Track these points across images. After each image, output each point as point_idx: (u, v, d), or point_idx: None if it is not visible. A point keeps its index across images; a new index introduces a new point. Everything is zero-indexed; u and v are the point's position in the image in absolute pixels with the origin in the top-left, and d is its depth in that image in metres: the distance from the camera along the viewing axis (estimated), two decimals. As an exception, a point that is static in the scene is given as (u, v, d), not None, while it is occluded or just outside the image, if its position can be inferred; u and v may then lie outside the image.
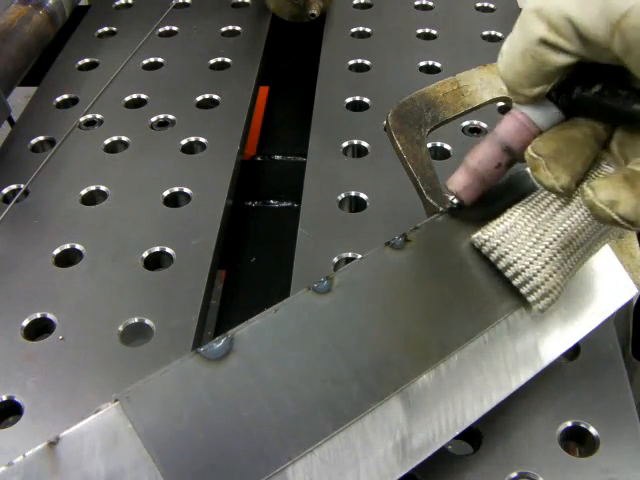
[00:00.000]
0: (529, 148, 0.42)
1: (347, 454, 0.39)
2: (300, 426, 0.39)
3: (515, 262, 0.44)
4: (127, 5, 0.96)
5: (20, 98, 0.88)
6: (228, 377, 0.40)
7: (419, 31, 0.88)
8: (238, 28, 0.90)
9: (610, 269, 0.49)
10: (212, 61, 0.84)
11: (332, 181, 0.67)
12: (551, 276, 0.43)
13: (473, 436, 0.47)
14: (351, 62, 0.84)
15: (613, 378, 0.51)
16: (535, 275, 0.43)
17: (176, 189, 0.67)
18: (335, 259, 0.59)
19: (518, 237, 0.44)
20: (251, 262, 0.70)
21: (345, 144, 0.72)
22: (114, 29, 0.91)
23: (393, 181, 0.64)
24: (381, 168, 0.68)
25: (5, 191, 0.67)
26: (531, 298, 0.44)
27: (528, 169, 0.50)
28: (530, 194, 0.46)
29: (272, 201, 0.77)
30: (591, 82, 0.40)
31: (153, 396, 0.38)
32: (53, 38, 0.84)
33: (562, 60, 0.39)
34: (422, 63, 0.83)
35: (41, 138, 0.74)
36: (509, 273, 0.44)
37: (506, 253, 0.44)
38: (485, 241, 0.45)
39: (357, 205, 0.66)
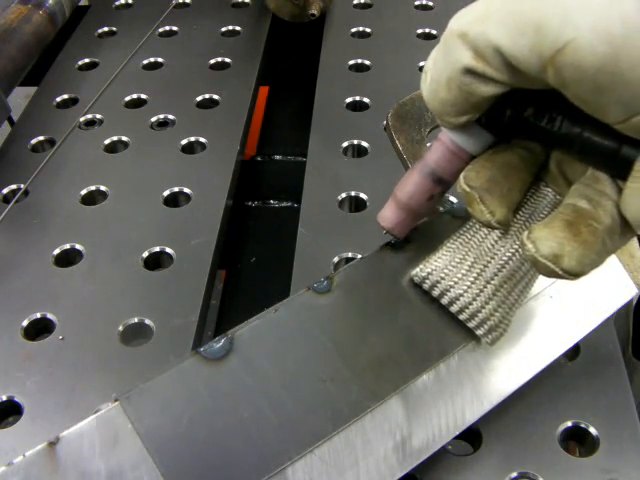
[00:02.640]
0: (461, 179, 0.39)
1: (347, 454, 0.39)
2: (300, 426, 0.39)
3: (459, 298, 0.42)
4: (127, 5, 0.96)
5: (20, 98, 0.88)
6: (228, 377, 0.40)
7: (419, 31, 0.88)
8: (238, 28, 0.90)
9: (610, 269, 0.49)
10: (212, 61, 0.84)
11: (332, 181, 0.67)
12: (496, 310, 0.42)
13: (473, 436, 0.47)
14: (351, 62, 0.84)
15: (613, 378, 0.51)
16: (480, 310, 0.42)
17: (176, 189, 0.67)
18: (335, 259, 0.59)
19: (459, 271, 0.42)
20: (251, 262, 0.70)
21: (345, 144, 0.72)
22: (114, 29, 0.91)
23: (393, 181, 0.63)
24: (381, 168, 0.68)
25: (5, 191, 0.67)
26: (479, 332, 0.42)
27: None
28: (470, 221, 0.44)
29: (272, 201, 0.77)
30: (523, 105, 0.37)
31: (153, 396, 0.38)
32: (53, 38, 0.84)
33: (490, 90, 0.35)
34: (422, 63, 0.83)
35: (41, 138, 0.74)
36: (454, 309, 0.42)
37: (449, 288, 0.42)
38: (425, 277, 0.43)
39: (357, 205, 0.66)
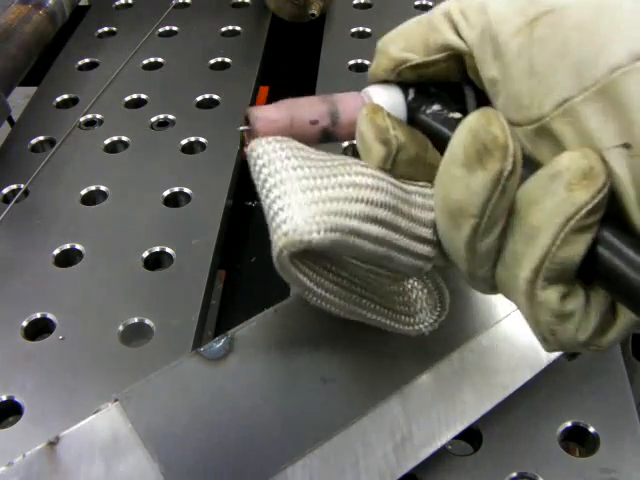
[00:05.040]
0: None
1: (347, 454, 0.39)
2: (300, 426, 0.39)
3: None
4: (127, 5, 0.96)
5: (20, 98, 0.88)
6: (228, 377, 0.40)
7: (419, 31, 0.88)
8: (238, 28, 0.90)
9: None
10: (212, 61, 0.84)
11: (332, 181, 0.67)
12: None
13: (473, 436, 0.47)
14: (351, 62, 0.83)
15: (613, 378, 0.51)
16: None
17: (176, 189, 0.67)
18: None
19: None
20: (251, 262, 0.70)
21: (345, 144, 0.71)
22: (114, 29, 0.91)
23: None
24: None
25: (5, 191, 0.67)
26: None
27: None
28: None
29: (272, 201, 0.77)
30: (432, 101, 0.37)
31: (153, 396, 0.38)
32: (53, 38, 0.84)
33: (452, 42, 0.36)
34: (422, 63, 0.82)
35: (41, 138, 0.74)
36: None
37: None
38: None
39: (357, 205, 0.66)
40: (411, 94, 0.38)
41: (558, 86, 0.31)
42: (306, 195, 0.34)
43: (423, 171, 0.37)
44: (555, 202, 0.29)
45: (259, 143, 0.37)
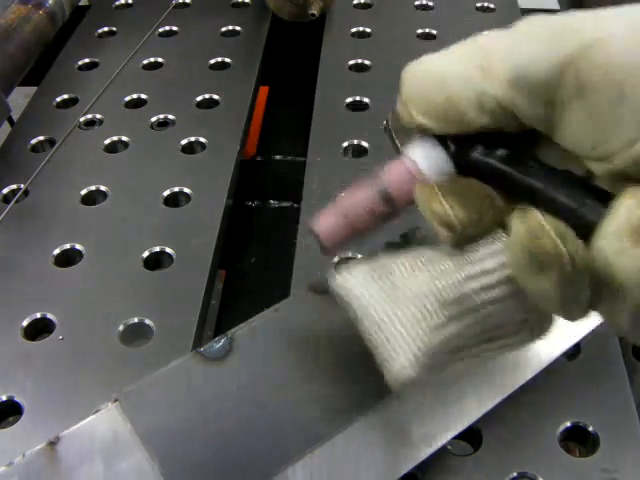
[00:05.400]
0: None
1: (347, 454, 0.39)
2: (300, 426, 0.39)
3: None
4: (127, 5, 0.96)
5: (20, 98, 0.88)
6: (228, 377, 0.40)
7: (419, 31, 0.88)
8: (238, 28, 0.90)
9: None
10: (212, 61, 0.84)
11: (332, 181, 0.67)
12: None
13: (473, 436, 0.47)
14: (351, 62, 0.83)
15: (613, 378, 0.51)
16: None
17: (176, 189, 0.67)
18: (335, 259, 0.59)
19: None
20: (251, 262, 0.70)
21: (345, 144, 0.72)
22: (114, 29, 0.91)
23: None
24: (381, 168, 0.68)
25: (5, 191, 0.67)
26: None
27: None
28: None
29: (272, 201, 0.77)
30: (495, 144, 0.35)
31: (153, 396, 0.38)
32: (53, 38, 0.84)
33: (480, 121, 0.34)
34: (422, 63, 0.82)
35: (41, 138, 0.74)
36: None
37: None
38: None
39: (357, 205, 0.66)
40: (451, 145, 0.37)
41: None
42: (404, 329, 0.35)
43: (489, 218, 0.36)
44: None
45: (342, 279, 0.38)
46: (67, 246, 0.61)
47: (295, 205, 0.74)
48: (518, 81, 0.32)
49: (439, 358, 0.35)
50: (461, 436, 0.43)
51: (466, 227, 0.35)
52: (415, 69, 0.38)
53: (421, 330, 0.35)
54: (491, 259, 0.36)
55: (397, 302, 0.36)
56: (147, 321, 0.55)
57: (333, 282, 0.38)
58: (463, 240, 0.36)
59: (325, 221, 0.39)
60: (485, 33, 0.36)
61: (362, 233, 0.39)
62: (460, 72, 0.35)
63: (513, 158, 0.35)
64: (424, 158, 0.37)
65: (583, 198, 0.32)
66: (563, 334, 0.47)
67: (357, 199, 0.38)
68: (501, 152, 0.35)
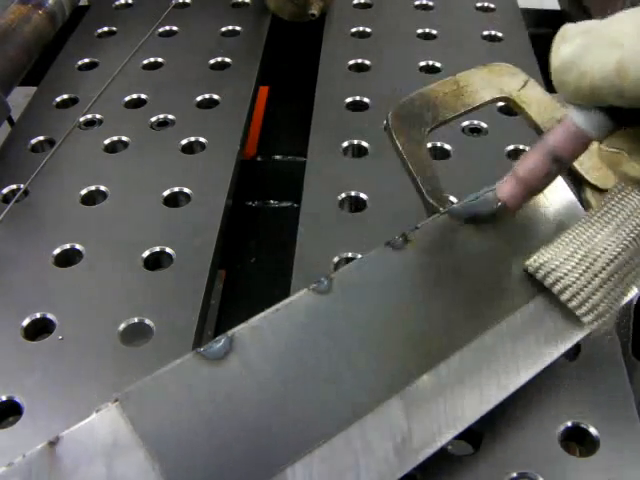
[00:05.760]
0: (605, 144, 0.40)
1: (347, 454, 0.39)
2: (300, 426, 0.39)
3: (569, 287, 0.45)
4: (127, 5, 0.96)
5: (20, 98, 0.88)
6: (228, 377, 0.40)
7: (419, 31, 0.88)
8: (238, 28, 0.90)
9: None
10: (212, 61, 0.84)
11: (332, 181, 0.67)
12: (603, 300, 0.45)
13: (473, 436, 0.47)
14: (351, 62, 0.83)
15: (613, 378, 0.51)
16: (587, 300, 0.45)
17: (176, 189, 0.67)
18: (335, 259, 0.59)
19: (570, 262, 0.45)
20: (251, 262, 0.70)
21: (345, 144, 0.72)
22: (114, 29, 0.91)
23: (393, 181, 0.64)
24: (381, 168, 0.68)
25: (5, 191, 0.67)
26: (586, 319, 0.45)
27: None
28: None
29: (272, 201, 0.77)
30: None
31: (153, 396, 0.38)
32: (53, 38, 0.84)
33: (617, 103, 0.37)
34: (422, 63, 0.83)
35: (41, 138, 0.74)
36: (564, 297, 0.45)
37: (560, 278, 0.45)
38: (538, 267, 0.46)
39: (357, 205, 0.66)
40: None
41: None
42: None
43: None
44: None
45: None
46: (67, 246, 0.61)
47: (295, 205, 0.74)
48: None
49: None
50: (461, 436, 0.43)
51: None
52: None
53: None
54: None
55: None
56: (147, 321, 0.55)
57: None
58: None
59: (509, 189, 0.45)
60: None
61: (538, 193, 0.45)
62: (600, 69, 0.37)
63: None
64: (584, 118, 0.41)
65: None
66: (563, 334, 0.46)
67: (533, 165, 0.43)
68: None
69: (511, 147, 0.70)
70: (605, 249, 0.45)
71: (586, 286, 0.45)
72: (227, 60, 0.85)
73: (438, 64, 0.82)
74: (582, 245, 0.46)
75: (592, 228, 0.46)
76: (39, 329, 0.55)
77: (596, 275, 0.45)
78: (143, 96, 0.79)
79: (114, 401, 0.38)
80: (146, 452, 0.36)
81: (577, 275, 0.45)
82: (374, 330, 0.43)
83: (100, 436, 0.37)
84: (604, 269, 0.45)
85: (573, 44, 0.38)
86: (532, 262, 0.46)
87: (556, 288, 0.45)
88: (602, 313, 0.45)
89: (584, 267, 0.45)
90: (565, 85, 0.39)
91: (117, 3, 0.96)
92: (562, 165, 0.43)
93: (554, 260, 0.46)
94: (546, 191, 0.47)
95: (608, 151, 0.40)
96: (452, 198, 0.60)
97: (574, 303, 0.45)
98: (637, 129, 0.40)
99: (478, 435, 0.47)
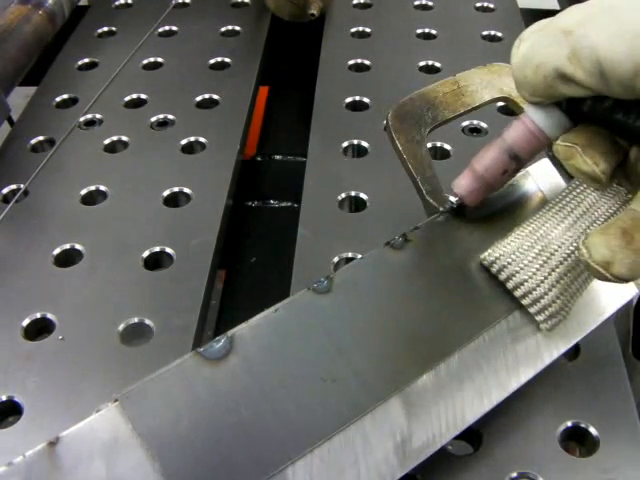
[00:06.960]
0: (560, 139, 0.41)
1: (347, 454, 0.39)
2: (300, 426, 0.39)
3: (523, 283, 0.44)
4: (127, 5, 0.96)
5: (20, 98, 0.88)
6: (228, 377, 0.40)
7: (419, 31, 0.88)
8: (238, 28, 0.90)
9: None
10: (212, 61, 0.84)
11: (332, 181, 0.67)
12: (558, 298, 0.44)
13: (473, 436, 0.47)
14: (351, 62, 0.83)
15: (613, 378, 0.51)
16: (542, 297, 0.44)
17: (176, 189, 0.67)
18: (335, 259, 0.59)
19: (526, 258, 0.44)
20: (251, 262, 0.70)
21: (345, 144, 0.72)
22: (114, 29, 0.91)
23: (393, 181, 0.64)
24: (381, 168, 0.68)
25: (5, 191, 0.67)
26: (539, 318, 0.44)
27: (529, 169, 0.50)
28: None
29: (272, 201, 0.77)
30: (603, 95, 0.38)
31: (153, 396, 0.38)
32: (53, 38, 0.84)
33: (572, 92, 0.38)
34: (422, 63, 0.83)
35: (41, 138, 0.74)
36: (518, 293, 0.44)
37: (515, 273, 0.44)
38: (492, 261, 0.45)
39: (357, 205, 0.66)
40: (562, 102, 0.41)
41: None
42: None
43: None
44: None
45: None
46: (67, 246, 0.61)
47: (295, 205, 0.74)
48: (603, 76, 0.36)
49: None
50: (461, 436, 0.43)
51: (607, 177, 0.40)
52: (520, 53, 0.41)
53: None
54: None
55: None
56: (147, 321, 0.55)
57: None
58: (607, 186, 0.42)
59: (466, 185, 0.46)
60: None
61: (496, 189, 0.46)
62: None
63: (620, 106, 0.38)
64: (540, 116, 0.42)
65: None
66: (563, 335, 0.46)
67: (489, 161, 0.44)
68: (608, 102, 0.38)
69: (511, 147, 0.70)
70: (560, 245, 0.44)
71: (541, 283, 0.44)
72: (227, 60, 0.85)
73: (438, 64, 0.82)
74: (538, 240, 0.45)
75: (548, 223, 0.45)
76: (39, 329, 0.55)
77: (552, 271, 0.44)
78: (143, 96, 0.79)
79: (114, 401, 0.38)
80: (146, 452, 0.36)
81: (532, 271, 0.44)
82: (374, 330, 0.43)
83: (100, 436, 0.37)
84: (560, 265, 0.44)
85: (529, 41, 0.40)
86: (487, 255, 0.46)
87: (510, 284, 0.45)
88: (556, 312, 0.44)
89: (539, 263, 0.44)
90: (523, 82, 0.40)
91: (117, 3, 0.96)
92: (519, 163, 0.44)
93: (509, 255, 0.45)
94: (548, 192, 0.47)
95: (562, 145, 0.40)
96: (452, 198, 0.60)
97: (527, 300, 0.44)
98: (591, 126, 0.40)
99: (478, 435, 0.47)
